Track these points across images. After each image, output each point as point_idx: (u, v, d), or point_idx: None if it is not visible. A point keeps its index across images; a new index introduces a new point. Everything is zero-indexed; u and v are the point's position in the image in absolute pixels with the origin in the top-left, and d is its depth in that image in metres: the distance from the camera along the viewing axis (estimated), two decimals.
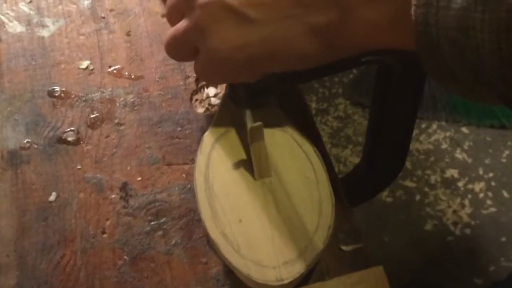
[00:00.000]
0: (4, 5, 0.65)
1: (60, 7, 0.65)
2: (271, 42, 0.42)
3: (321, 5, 0.39)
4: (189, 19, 0.45)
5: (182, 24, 0.46)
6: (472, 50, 0.32)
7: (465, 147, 1.55)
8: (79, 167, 0.54)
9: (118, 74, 0.60)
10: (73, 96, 0.59)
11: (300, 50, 0.42)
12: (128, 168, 0.54)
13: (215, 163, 0.49)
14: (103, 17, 0.64)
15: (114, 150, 0.55)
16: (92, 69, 0.60)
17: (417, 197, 1.47)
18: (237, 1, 0.42)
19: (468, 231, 1.41)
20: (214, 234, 0.45)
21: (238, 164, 0.49)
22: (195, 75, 0.60)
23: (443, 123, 1.59)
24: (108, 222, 0.51)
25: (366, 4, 0.37)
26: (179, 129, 0.57)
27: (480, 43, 0.31)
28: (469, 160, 1.53)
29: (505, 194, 1.47)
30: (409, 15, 0.34)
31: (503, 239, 1.40)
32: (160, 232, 0.51)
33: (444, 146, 1.55)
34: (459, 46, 0.32)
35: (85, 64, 0.61)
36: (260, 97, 0.51)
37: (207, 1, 0.43)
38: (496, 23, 0.30)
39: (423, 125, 1.58)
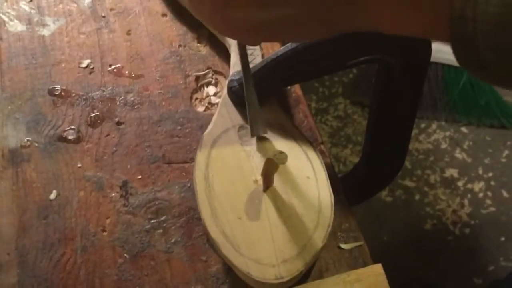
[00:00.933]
0: (5, 4, 0.65)
1: (60, 6, 0.65)
2: (286, 16, 0.40)
3: None
4: None
5: None
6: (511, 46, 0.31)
7: (465, 146, 1.55)
8: (79, 165, 0.54)
9: (119, 73, 0.60)
10: (73, 94, 0.59)
11: (312, 21, 0.40)
12: (128, 166, 0.54)
13: (214, 162, 0.49)
14: (104, 16, 0.65)
15: (114, 148, 0.55)
16: (93, 68, 0.61)
17: (417, 197, 1.47)
18: None
19: (467, 230, 1.42)
20: (214, 232, 0.45)
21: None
22: (195, 74, 0.60)
23: (443, 122, 1.59)
24: (108, 220, 0.51)
25: None
26: (179, 127, 0.57)
27: None
28: (469, 160, 1.53)
29: (505, 193, 1.47)
30: (441, 6, 0.33)
31: (502, 238, 1.40)
32: (160, 230, 0.51)
33: (443, 145, 1.55)
34: (496, 42, 0.32)
35: (85, 63, 0.61)
36: (260, 97, 0.52)
37: None
38: None
39: (423, 125, 1.58)
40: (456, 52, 0.35)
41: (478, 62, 0.34)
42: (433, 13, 0.35)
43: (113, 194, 0.53)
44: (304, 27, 0.42)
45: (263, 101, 0.52)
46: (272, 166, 0.45)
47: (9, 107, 0.58)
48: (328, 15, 0.40)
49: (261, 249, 0.45)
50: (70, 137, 0.56)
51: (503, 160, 1.53)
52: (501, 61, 0.33)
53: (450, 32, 0.33)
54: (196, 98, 0.59)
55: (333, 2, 0.39)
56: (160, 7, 0.65)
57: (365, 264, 0.49)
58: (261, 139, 0.50)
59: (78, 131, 0.56)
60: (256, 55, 0.56)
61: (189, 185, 0.53)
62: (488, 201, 1.46)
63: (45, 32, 0.63)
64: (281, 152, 0.44)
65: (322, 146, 0.55)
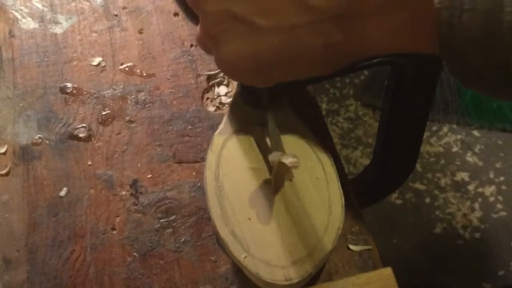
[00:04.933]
0: (18, 1, 0.66)
1: (73, 4, 0.65)
2: (281, 51, 0.41)
3: (331, 13, 0.38)
4: (201, 25, 0.44)
5: (198, 27, 0.45)
6: (498, 51, 0.32)
7: (476, 150, 1.54)
8: (90, 163, 0.54)
9: (130, 71, 0.60)
10: (85, 92, 0.59)
11: (311, 58, 0.41)
12: (139, 165, 0.54)
13: (225, 162, 0.49)
14: (116, 15, 0.65)
15: (125, 147, 0.56)
16: (104, 66, 0.61)
17: (427, 200, 1.46)
18: (244, 9, 0.40)
19: (477, 234, 1.41)
20: (224, 232, 0.45)
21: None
22: (206, 73, 0.60)
23: (455, 126, 1.58)
24: (118, 219, 0.51)
25: (381, 11, 0.37)
26: (190, 127, 0.57)
27: (507, 44, 0.31)
28: (480, 164, 1.52)
29: None
30: (429, 18, 0.33)
31: None
32: (170, 230, 0.51)
33: (455, 149, 1.55)
34: (484, 48, 0.32)
35: (97, 61, 0.61)
36: (272, 98, 0.51)
37: (213, 10, 0.41)
38: None
39: (434, 128, 1.57)
40: (447, 62, 0.35)
41: (470, 71, 0.34)
42: (422, 27, 0.35)
43: (123, 193, 0.53)
44: (304, 61, 0.42)
45: (275, 102, 0.52)
46: (284, 168, 0.45)
47: (21, 104, 0.58)
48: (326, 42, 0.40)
49: (270, 250, 0.44)
50: (81, 135, 0.56)
51: None
52: (490, 66, 0.33)
53: (439, 43, 0.34)
54: (207, 98, 0.59)
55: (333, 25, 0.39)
56: (172, 6, 0.65)
57: (375, 267, 0.49)
58: (273, 142, 0.49)
59: (89, 129, 0.56)
60: None
61: (199, 185, 0.53)
62: (499, 206, 1.45)
63: (58, 30, 0.63)
64: (294, 157, 0.44)
65: (333, 148, 0.55)
